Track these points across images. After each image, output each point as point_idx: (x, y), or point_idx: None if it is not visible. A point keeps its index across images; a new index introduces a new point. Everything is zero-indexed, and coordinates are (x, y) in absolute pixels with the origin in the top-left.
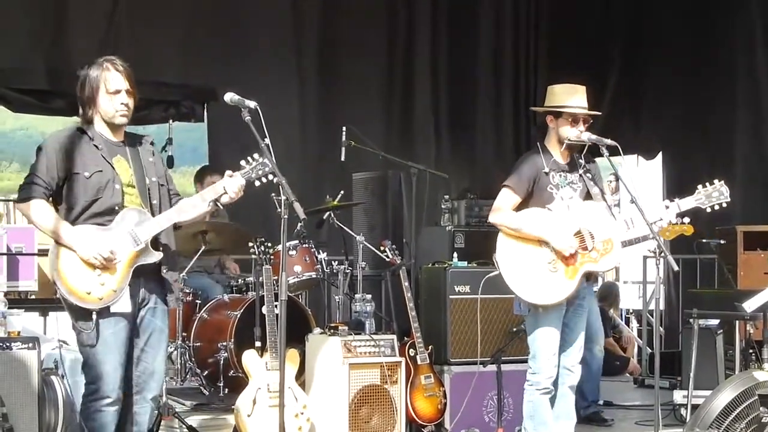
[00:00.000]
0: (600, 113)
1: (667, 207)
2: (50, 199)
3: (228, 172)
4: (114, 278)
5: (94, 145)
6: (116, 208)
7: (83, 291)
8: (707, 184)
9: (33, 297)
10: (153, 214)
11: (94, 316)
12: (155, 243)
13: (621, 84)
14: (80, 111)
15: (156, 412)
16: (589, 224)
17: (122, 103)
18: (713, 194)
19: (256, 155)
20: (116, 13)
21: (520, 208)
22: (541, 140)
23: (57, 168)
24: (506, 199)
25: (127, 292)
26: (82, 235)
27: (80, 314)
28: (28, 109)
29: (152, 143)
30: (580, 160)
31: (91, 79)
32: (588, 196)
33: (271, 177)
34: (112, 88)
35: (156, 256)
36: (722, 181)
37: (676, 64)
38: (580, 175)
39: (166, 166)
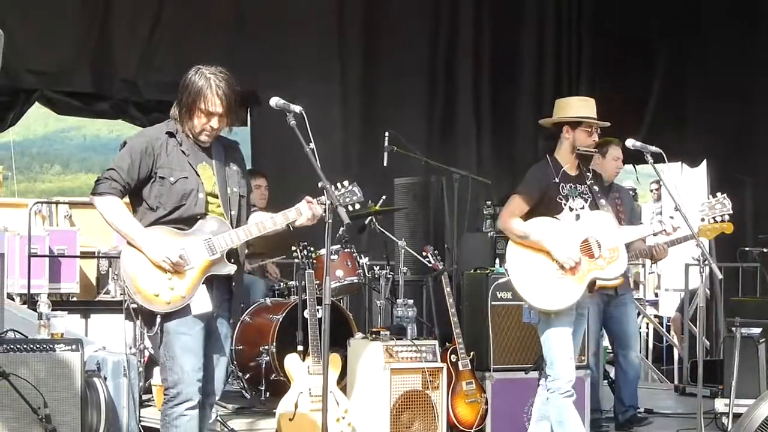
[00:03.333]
0: (609, 124)
1: (671, 217)
2: (124, 197)
3: (307, 198)
4: (184, 284)
5: (182, 150)
6: (198, 217)
7: (151, 293)
8: (710, 196)
9: (75, 299)
10: (232, 226)
11: (158, 320)
12: (232, 256)
13: (665, 90)
14: (173, 110)
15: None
16: (597, 233)
17: (211, 126)
18: (716, 206)
19: (346, 182)
20: (160, 18)
21: (528, 217)
22: (550, 152)
23: (139, 170)
24: (516, 206)
25: (206, 291)
26: (153, 238)
27: (146, 317)
28: (72, 111)
29: (238, 149)
30: (588, 173)
31: (193, 90)
32: (596, 206)
33: (358, 206)
34: (206, 109)
35: (230, 269)
36: (725, 195)
37: (721, 70)
38: (588, 186)
39: (247, 175)
